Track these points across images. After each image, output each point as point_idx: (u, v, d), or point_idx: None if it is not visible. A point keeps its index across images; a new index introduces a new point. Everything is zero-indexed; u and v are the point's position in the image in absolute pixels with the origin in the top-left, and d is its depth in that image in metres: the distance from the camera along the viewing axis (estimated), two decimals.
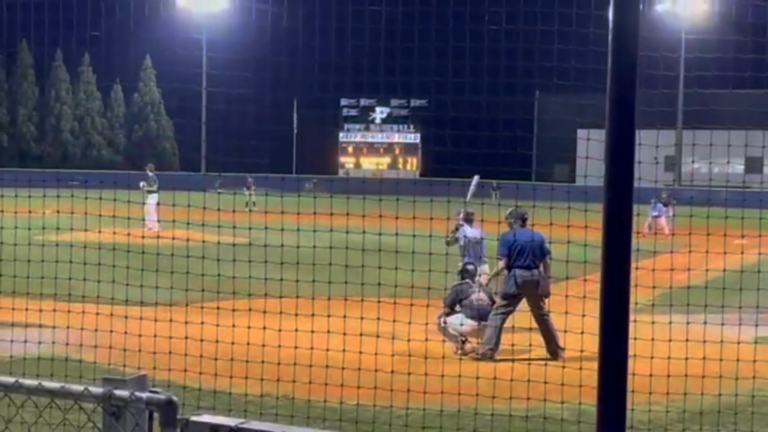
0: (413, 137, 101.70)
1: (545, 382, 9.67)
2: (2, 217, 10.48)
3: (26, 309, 10.04)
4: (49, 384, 2.97)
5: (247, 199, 45.93)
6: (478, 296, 14.00)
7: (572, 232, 11.07)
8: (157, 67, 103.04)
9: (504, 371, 10.24)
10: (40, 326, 10.75)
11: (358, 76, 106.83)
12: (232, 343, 9.52)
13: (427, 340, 11.29)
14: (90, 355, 10.25)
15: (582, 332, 8.76)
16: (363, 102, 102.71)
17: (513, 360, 11.40)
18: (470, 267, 14.49)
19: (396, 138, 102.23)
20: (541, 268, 13.57)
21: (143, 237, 11.29)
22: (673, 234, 25.55)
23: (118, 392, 2.94)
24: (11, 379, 3.04)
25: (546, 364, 10.53)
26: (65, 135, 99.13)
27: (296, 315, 9.93)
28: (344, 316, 10.02)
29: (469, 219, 16.23)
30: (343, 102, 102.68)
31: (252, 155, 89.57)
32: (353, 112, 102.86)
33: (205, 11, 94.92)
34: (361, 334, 9.76)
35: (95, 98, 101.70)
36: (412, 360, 10.21)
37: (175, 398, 2.87)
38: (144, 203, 31.52)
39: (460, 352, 13.48)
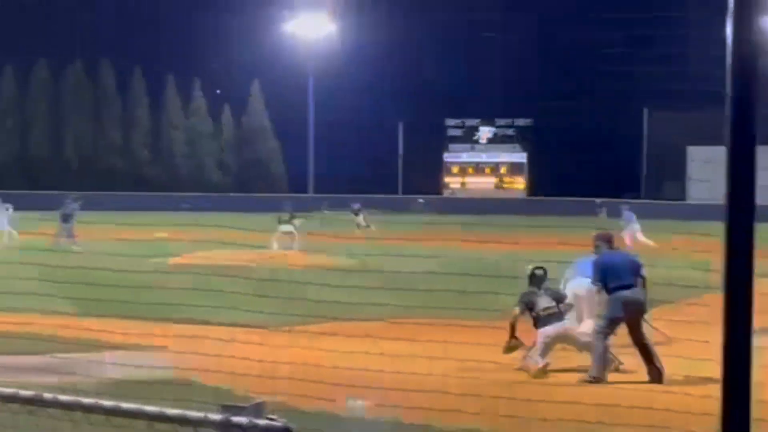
0: (519, 157, 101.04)
1: (667, 410, 9.44)
2: (116, 242, 10.73)
3: (151, 332, 10.25)
4: (170, 411, 3.05)
5: (358, 221, 46.04)
6: (544, 305, 13.81)
7: (682, 252, 10.83)
8: (265, 91, 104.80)
9: (615, 396, 10.01)
10: (154, 349, 10.96)
11: (463, 96, 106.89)
12: (349, 369, 9.54)
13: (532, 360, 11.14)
14: (205, 378, 10.39)
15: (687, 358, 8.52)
16: (468, 122, 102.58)
17: (621, 383, 11.10)
18: (538, 272, 14.25)
19: (502, 158, 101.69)
20: (638, 286, 13.31)
21: (271, 258, 11.43)
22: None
23: (236, 419, 2.99)
24: (134, 406, 3.13)
25: (651, 389, 10.27)
26: (177, 159, 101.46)
27: (394, 339, 9.90)
28: (460, 342, 9.96)
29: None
30: (448, 122, 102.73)
31: (358, 176, 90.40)
32: (458, 132, 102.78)
33: (312, 36, 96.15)
34: (463, 360, 9.68)
35: (206, 122, 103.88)
36: (527, 386, 10.08)
37: (291, 426, 2.92)
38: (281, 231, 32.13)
39: (543, 366, 13.33)
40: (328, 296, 9.83)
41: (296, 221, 34.58)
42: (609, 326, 13.16)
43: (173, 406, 8.53)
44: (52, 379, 9.91)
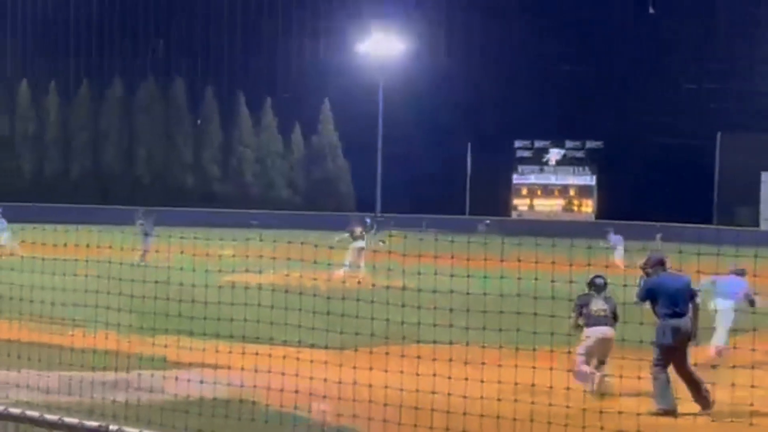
0: (589, 179, 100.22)
1: None
2: (184, 257, 10.78)
3: (216, 350, 10.29)
4: None
5: (381, 238, 46.38)
6: (597, 306, 13.83)
7: (760, 281, 10.59)
8: (335, 110, 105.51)
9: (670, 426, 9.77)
10: (220, 367, 11.00)
11: (533, 117, 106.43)
12: (401, 390, 9.48)
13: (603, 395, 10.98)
14: (266, 397, 10.40)
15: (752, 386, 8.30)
16: (537, 143, 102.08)
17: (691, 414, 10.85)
18: (598, 280, 14.23)
19: (571, 180, 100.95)
20: (690, 313, 12.84)
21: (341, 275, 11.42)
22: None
23: None
24: None
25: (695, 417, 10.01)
26: (247, 176, 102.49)
27: (462, 363, 9.80)
28: (517, 366, 9.84)
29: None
30: (517, 144, 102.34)
31: (425, 196, 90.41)
32: (527, 154, 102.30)
33: (383, 55, 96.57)
34: (532, 385, 9.55)
35: (276, 140, 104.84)
36: (589, 413, 9.89)
37: None
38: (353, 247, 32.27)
39: (593, 389, 13.09)
40: (395, 316, 9.76)
41: (369, 238, 34.74)
42: (662, 355, 12.62)
43: (236, 428, 8.53)
44: (120, 396, 10.01)
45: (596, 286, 14.14)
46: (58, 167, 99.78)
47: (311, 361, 9.51)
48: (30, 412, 3.53)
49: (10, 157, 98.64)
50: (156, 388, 10.55)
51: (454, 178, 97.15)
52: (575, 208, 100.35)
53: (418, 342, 10.07)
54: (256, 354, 10.15)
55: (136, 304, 10.56)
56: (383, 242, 39.88)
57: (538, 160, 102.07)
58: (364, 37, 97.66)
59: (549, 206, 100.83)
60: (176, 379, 9.81)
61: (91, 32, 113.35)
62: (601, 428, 9.17)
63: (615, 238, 44.35)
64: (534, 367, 9.78)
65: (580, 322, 13.89)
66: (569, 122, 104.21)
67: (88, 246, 10.85)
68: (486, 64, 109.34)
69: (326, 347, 10.50)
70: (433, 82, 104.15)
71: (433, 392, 9.68)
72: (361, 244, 33.30)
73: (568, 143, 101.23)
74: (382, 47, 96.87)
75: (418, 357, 9.44)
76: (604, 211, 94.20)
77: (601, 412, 9.72)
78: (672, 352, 12.62)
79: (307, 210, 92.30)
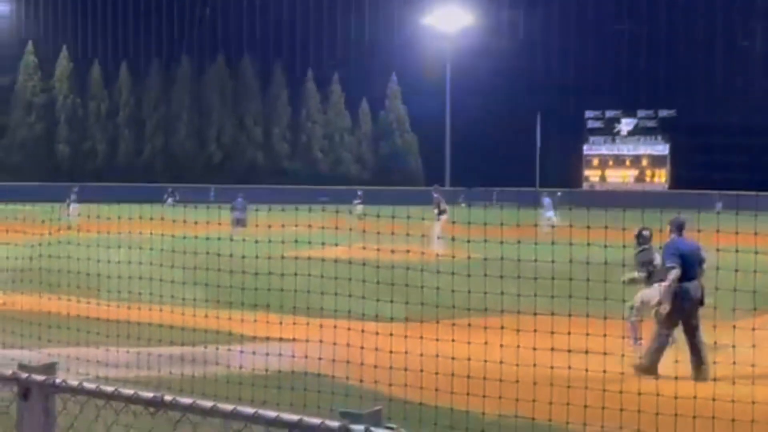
0: (661, 148, 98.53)
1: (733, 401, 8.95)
2: (255, 232, 10.73)
3: (281, 323, 10.26)
4: (287, 416, 3.02)
5: (356, 211, 46.62)
6: (659, 261, 13.68)
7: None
8: (402, 84, 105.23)
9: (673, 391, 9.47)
10: (286, 341, 10.96)
11: (604, 87, 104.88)
12: (468, 359, 9.33)
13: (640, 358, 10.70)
14: (333, 370, 10.34)
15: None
16: (608, 113, 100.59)
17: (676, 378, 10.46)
18: (645, 232, 14.22)
19: (643, 150, 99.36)
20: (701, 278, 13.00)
21: (423, 253, 11.25)
22: None
23: (354, 426, 2.93)
24: (251, 411, 3.11)
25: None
26: (316, 152, 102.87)
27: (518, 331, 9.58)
28: (587, 334, 9.61)
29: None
30: (588, 114, 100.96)
31: (495, 169, 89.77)
32: (598, 124, 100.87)
33: (450, 28, 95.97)
34: (586, 352, 9.33)
35: (344, 116, 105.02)
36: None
37: None
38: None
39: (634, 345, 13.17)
40: (460, 287, 9.59)
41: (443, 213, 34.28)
42: (672, 316, 12.70)
43: (301, 400, 8.47)
44: (188, 370, 10.03)
45: (644, 237, 14.23)
46: (131, 147, 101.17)
47: (376, 333, 9.39)
48: (88, 384, 3.45)
49: (84, 138, 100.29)
50: (221, 362, 10.56)
51: (524, 151, 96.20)
52: (648, 179, 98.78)
53: (486, 310, 9.87)
54: (323, 328, 10.08)
55: (202, 278, 10.56)
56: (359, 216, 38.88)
57: (609, 130, 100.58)
58: (431, 10, 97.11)
59: (621, 177, 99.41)
60: (240, 352, 9.78)
61: (161, 12, 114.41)
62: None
63: (546, 201, 44.78)
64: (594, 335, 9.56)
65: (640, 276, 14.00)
66: (641, 91, 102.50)
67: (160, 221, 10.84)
68: (554, 34, 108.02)
69: (395, 320, 10.38)
70: (500, 54, 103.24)
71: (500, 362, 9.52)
72: (445, 216, 33.19)
73: (640, 112, 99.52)
74: (448, 20, 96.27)
75: (502, 328, 9.26)
76: (677, 181, 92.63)
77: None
78: (682, 314, 12.72)
79: (376, 185, 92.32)
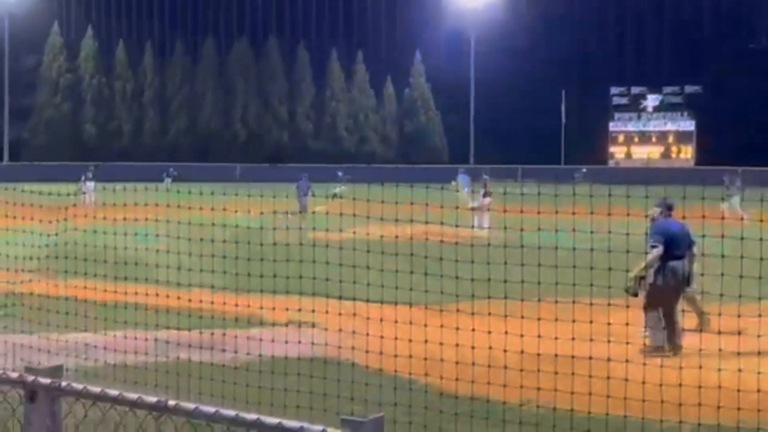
0: (688, 125, 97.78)
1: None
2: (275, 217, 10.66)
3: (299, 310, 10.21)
4: (289, 423, 3.02)
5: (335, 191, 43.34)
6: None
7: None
8: (426, 62, 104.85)
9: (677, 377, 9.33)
10: (306, 325, 10.93)
11: (629, 63, 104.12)
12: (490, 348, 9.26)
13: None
14: (355, 355, 10.30)
15: None
16: (634, 90, 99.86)
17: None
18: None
19: (669, 126, 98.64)
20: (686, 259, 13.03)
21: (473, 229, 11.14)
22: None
23: None
24: (254, 416, 3.11)
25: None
26: (340, 131, 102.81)
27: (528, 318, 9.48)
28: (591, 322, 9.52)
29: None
30: (613, 91, 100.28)
31: (520, 146, 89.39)
32: (623, 101, 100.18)
33: (473, 5, 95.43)
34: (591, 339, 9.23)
35: (368, 95, 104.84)
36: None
37: None
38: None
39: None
40: (480, 273, 9.50)
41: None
42: (656, 294, 12.78)
43: (321, 384, 8.41)
44: (206, 356, 10.01)
45: (670, 207, 13.76)
46: (157, 127, 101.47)
47: (396, 322, 9.33)
48: (91, 388, 3.44)
49: (109, 119, 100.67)
50: (241, 348, 10.55)
51: (549, 128, 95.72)
52: (674, 155, 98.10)
53: (489, 298, 9.77)
54: (342, 314, 10.02)
55: (224, 264, 10.52)
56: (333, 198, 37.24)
57: (635, 106, 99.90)
58: None
59: (647, 153, 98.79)
60: (260, 340, 9.75)
61: None
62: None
63: (462, 178, 44.00)
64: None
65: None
66: (666, 67, 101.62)
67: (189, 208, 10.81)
68: (578, 10, 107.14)
69: (414, 305, 10.29)
70: (524, 31, 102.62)
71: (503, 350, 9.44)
72: (489, 200, 31.84)
73: (666, 89, 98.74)
74: None
75: (521, 317, 9.17)
76: (704, 157, 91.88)
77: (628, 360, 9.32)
78: (666, 293, 12.82)
79: (400, 163, 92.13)
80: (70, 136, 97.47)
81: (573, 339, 9.10)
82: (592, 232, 8.79)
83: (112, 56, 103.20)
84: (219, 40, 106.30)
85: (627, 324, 9.49)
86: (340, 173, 60.02)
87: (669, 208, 13.53)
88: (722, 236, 8.52)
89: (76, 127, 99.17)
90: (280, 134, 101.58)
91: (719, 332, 10.10)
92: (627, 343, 9.59)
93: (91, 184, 43.73)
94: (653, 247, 12.81)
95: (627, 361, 9.17)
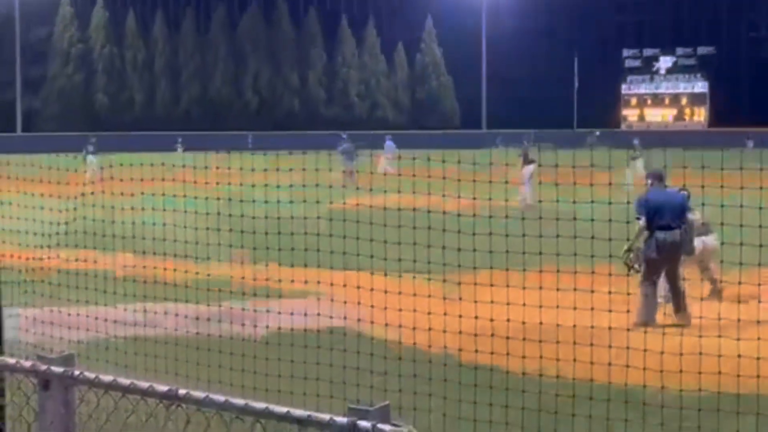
0: (701, 86, 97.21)
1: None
2: (292, 193, 10.66)
3: (318, 281, 10.26)
4: (296, 412, 3.08)
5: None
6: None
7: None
8: (437, 27, 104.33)
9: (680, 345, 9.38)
10: (313, 296, 11.00)
11: (641, 25, 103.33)
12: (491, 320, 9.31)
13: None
14: (369, 328, 10.36)
15: None
16: (646, 52, 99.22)
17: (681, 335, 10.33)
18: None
19: (682, 88, 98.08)
20: (683, 228, 12.90)
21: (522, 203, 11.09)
22: None
23: (362, 423, 2.97)
24: (262, 405, 3.17)
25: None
26: (352, 98, 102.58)
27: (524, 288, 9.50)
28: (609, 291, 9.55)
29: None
30: (625, 53, 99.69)
31: (532, 110, 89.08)
32: (636, 63, 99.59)
33: None
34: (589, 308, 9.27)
35: (379, 61, 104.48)
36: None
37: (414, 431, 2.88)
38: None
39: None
40: (497, 245, 9.52)
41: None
42: (649, 271, 12.72)
43: (335, 356, 8.48)
44: (214, 330, 10.11)
45: (660, 178, 13.35)
46: (168, 96, 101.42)
47: (414, 295, 9.39)
48: (103, 377, 3.50)
49: (121, 88, 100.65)
50: (249, 321, 10.62)
51: (561, 91, 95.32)
52: (687, 117, 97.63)
53: (507, 270, 9.80)
54: (351, 285, 10.07)
55: (234, 237, 10.56)
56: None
57: (647, 69, 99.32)
58: None
59: (660, 116, 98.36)
60: (267, 311, 9.83)
61: None
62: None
63: (388, 146, 43.37)
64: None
65: None
66: (679, 28, 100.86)
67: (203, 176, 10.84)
68: None
69: (420, 275, 10.31)
70: None
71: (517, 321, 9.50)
72: (533, 167, 28.74)
73: (679, 50, 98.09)
74: None
75: (540, 287, 9.21)
76: (717, 119, 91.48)
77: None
78: (659, 265, 12.78)
79: (412, 129, 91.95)
80: (82, 105, 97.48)
81: (592, 309, 9.15)
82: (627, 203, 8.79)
83: (123, 26, 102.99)
84: (229, 8, 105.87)
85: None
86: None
87: (659, 179, 13.36)
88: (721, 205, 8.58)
89: (88, 97, 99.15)
90: (291, 101, 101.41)
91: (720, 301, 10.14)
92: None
93: (92, 158, 41.53)
94: (638, 219, 12.76)
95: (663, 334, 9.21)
